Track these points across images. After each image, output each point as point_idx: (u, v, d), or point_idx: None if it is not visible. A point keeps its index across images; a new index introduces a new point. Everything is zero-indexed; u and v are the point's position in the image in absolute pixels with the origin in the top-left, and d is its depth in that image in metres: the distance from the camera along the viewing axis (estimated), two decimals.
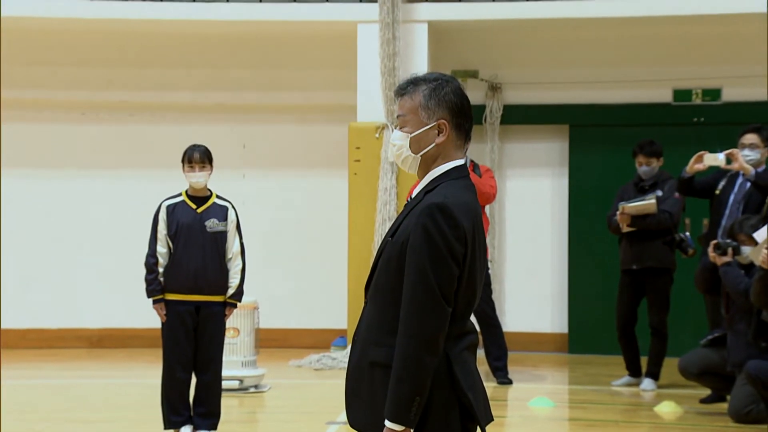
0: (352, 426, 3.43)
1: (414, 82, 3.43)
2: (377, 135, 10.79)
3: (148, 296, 7.19)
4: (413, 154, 3.41)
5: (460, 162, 3.43)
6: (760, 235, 7.84)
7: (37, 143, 12.04)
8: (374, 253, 10.55)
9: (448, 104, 3.40)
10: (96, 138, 12.09)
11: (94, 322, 12.05)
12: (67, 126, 12.08)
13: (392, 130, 10.57)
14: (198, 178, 7.20)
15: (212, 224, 7.21)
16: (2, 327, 11.54)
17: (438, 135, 3.40)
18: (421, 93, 3.40)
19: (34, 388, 9.73)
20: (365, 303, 3.46)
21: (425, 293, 3.22)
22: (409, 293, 3.24)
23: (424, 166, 3.43)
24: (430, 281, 3.22)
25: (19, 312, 11.82)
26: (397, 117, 3.47)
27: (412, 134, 3.41)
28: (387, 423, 3.23)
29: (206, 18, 11.07)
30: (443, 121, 3.40)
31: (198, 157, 7.19)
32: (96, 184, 12.10)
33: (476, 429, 3.37)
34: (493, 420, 3.42)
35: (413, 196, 3.44)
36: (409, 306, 3.24)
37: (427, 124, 3.40)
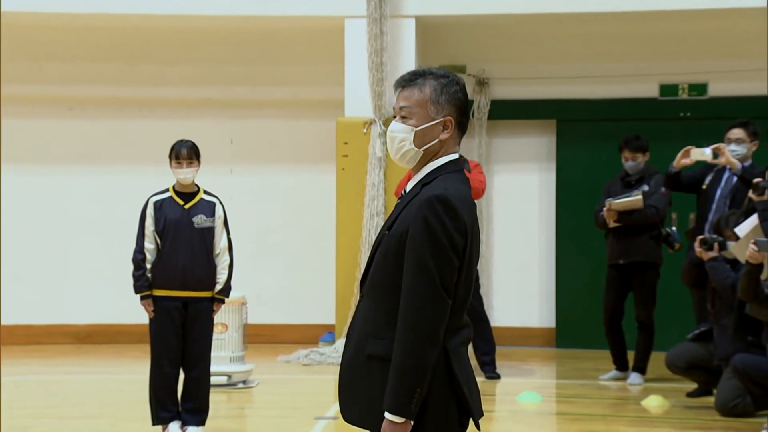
0: (346, 420, 3.40)
1: (422, 75, 3.39)
2: (365, 130, 10.79)
3: (136, 292, 7.17)
4: (416, 148, 3.37)
5: (455, 156, 3.43)
6: (741, 230, 7.81)
7: (23, 139, 11.98)
8: (362, 249, 10.60)
9: (456, 102, 3.39)
10: (83, 133, 12.05)
11: (82, 318, 12.02)
12: (54, 121, 12.04)
13: (381, 125, 10.58)
14: (185, 174, 7.18)
15: (200, 220, 7.19)
16: None
17: (443, 131, 3.38)
18: (430, 87, 3.37)
19: (22, 384, 9.70)
20: (360, 297, 3.43)
21: (426, 285, 3.19)
22: (409, 285, 3.21)
23: (422, 161, 3.40)
24: (431, 273, 3.19)
25: (5, 308, 11.77)
26: (400, 108, 3.40)
27: (418, 128, 3.37)
28: (387, 415, 3.21)
29: (194, 13, 11.03)
30: (450, 117, 3.39)
31: (185, 152, 7.17)
32: (83, 179, 12.07)
33: (470, 423, 3.37)
34: (483, 415, 3.41)
35: (407, 189, 3.41)
36: (409, 298, 3.20)
37: (435, 119, 3.37)
